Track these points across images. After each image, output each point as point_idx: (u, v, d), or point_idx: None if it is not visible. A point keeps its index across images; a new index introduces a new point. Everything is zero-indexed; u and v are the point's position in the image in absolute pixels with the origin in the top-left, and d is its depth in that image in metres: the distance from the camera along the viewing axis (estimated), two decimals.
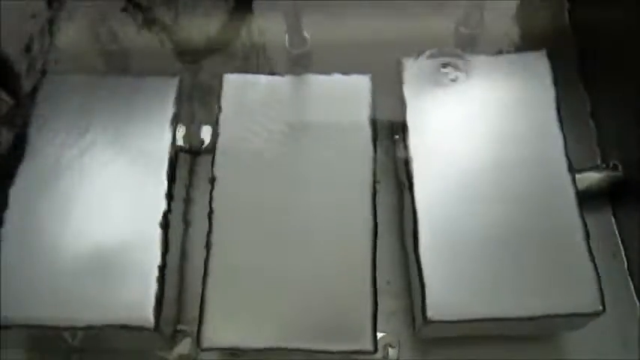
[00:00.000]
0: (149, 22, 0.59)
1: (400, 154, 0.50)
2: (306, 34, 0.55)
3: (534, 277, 0.42)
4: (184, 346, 0.47)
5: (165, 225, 0.44)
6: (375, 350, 0.41)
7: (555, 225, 0.43)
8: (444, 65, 0.49)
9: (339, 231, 0.44)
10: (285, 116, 0.48)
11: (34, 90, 0.50)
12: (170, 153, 0.47)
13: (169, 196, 0.46)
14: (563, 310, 0.41)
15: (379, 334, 0.42)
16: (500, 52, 0.50)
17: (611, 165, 0.51)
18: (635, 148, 0.48)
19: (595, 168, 0.51)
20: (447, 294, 0.41)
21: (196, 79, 0.56)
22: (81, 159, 0.46)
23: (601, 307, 0.41)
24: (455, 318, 0.41)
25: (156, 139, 0.47)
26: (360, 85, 0.49)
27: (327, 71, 0.50)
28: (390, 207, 0.51)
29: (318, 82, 0.49)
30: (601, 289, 0.41)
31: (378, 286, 0.42)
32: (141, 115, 0.48)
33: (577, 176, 0.45)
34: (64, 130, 0.47)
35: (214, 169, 0.46)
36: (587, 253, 0.42)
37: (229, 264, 0.43)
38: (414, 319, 0.46)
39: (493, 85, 0.48)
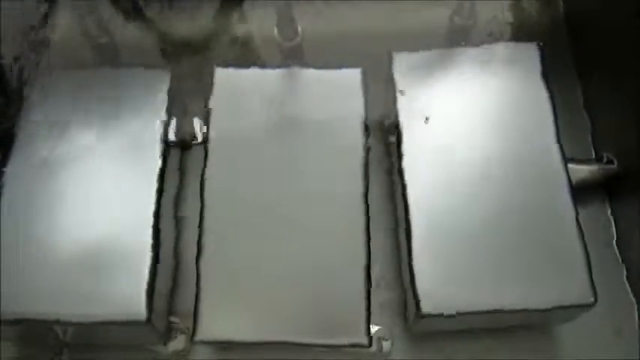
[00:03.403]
0: (140, 15, 0.59)
1: (392, 146, 0.49)
2: (297, 26, 0.54)
3: (527, 270, 0.42)
4: (178, 341, 0.47)
5: (156, 218, 0.44)
6: (370, 343, 0.41)
7: (548, 217, 0.43)
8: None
9: (332, 224, 0.44)
10: (276, 110, 0.48)
11: (23, 85, 0.50)
12: (162, 146, 0.47)
13: (161, 189, 0.45)
14: (555, 303, 0.41)
15: (373, 328, 0.42)
16: (493, 44, 0.50)
17: (605, 157, 0.51)
18: (629, 139, 0.48)
19: (589, 160, 0.52)
20: (439, 288, 0.41)
21: (188, 72, 0.56)
22: (71, 153, 0.46)
23: (593, 299, 0.41)
24: (447, 312, 0.41)
25: (147, 132, 0.47)
26: (351, 78, 0.48)
27: (318, 63, 0.50)
28: (382, 199, 0.51)
29: (309, 75, 0.49)
30: (593, 281, 0.41)
31: (371, 279, 0.42)
32: (132, 109, 0.48)
33: (571, 168, 0.45)
34: (54, 124, 0.47)
35: (206, 162, 0.46)
36: (579, 245, 0.42)
37: (223, 258, 0.43)
38: (406, 312, 0.46)
39: (485, 77, 0.48)
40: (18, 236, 0.43)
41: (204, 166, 0.46)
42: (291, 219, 0.44)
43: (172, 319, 0.47)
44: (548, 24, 0.58)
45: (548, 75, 0.48)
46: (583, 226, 0.43)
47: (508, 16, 0.59)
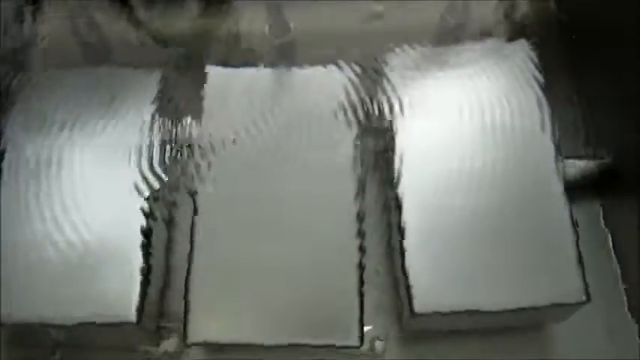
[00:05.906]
0: (130, 14, 0.58)
1: (385, 144, 0.49)
2: (289, 24, 0.54)
3: (520, 268, 0.42)
4: (171, 343, 0.47)
5: (147, 218, 0.44)
6: (362, 345, 0.41)
7: (541, 215, 0.43)
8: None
9: (325, 224, 0.44)
10: (268, 108, 0.47)
11: (13, 84, 0.49)
12: (153, 146, 0.46)
13: (152, 189, 0.45)
14: (547, 301, 0.41)
15: (366, 327, 0.42)
16: (486, 42, 0.50)
17: (598, 155, 0.51)
18: (622, 137, 0.48)
19: (582, 157, 0.51)
20: (433, 287, 0.41)
21: (179, 72, 0.55)
22: (62, 154, 0.46)
23: (585, 297, 0.41)
24: (441, 311, 0.41)
25: (138, 132, 0.47)
26: (344, 75, 0.48)
27: (310, 61, 0.50)
28: (375, 198, 0.51)
29: (301, 74, 0.49)
30: (585, 279, 0.41)
31: (364, 278, 0.42)
32: (123, 109, 0.47)
33: (565, 165, 0.45)
34: (44, 125, 0.47)
35: (198, 161, 0.46)
36: (572, 244, 0.42)
37: (214, 259, 0.43)
38: (400, 312, 0.46)
39: (478, 75, 0.48)
40: (7, 239, 0.43)
41: (196, 166, 0.46)
42: (284, 219, 0.44)
43: (166, 323, 0.47)
44: (542, 22, 0.58)
45: (542, 72, 0.48)
46: (577, 225, 0.43)
47: (501, 14, 0.59)
